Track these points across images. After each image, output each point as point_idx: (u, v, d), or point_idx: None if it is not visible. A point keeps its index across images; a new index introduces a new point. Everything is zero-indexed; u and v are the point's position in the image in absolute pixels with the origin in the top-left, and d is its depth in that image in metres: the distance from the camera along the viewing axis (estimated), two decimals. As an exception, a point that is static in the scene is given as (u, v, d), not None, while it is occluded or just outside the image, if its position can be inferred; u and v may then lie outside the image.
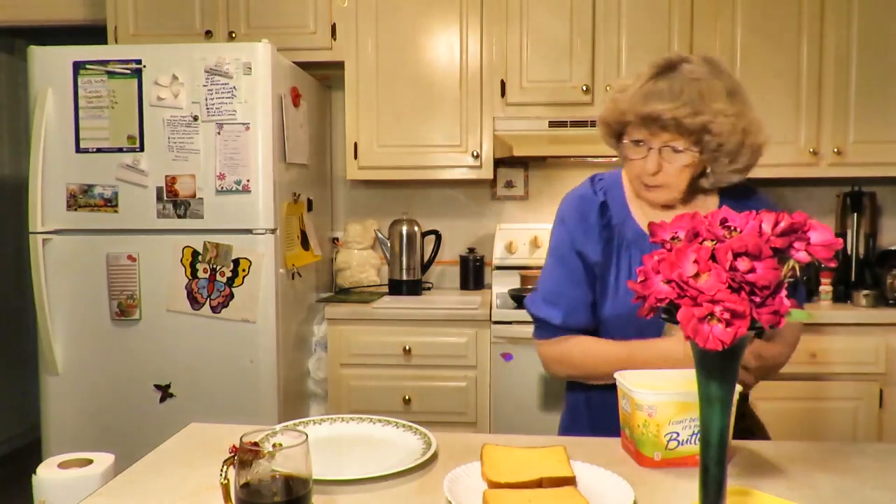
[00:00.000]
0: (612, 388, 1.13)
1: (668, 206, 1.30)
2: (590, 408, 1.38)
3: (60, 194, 2.30)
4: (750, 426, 1.39)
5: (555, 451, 1.02)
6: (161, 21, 2.81)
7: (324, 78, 3.03)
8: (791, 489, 0.96)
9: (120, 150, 2.28)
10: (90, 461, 1.03)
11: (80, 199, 2.30)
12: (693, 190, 1.29)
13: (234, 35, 2.79)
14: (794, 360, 2.49)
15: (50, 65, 2.28)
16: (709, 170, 1.24)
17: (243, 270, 2.28)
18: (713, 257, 0.71)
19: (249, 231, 2.28)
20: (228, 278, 2.28)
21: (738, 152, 1.21)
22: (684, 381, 1.08)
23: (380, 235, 3.00)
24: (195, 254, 2.29)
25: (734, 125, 1.18)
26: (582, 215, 1.33)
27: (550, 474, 0.94)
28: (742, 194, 1.33)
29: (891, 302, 2.62)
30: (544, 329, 1.36)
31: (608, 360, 1.26)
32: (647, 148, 1.23)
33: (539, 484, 0.92)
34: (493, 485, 0.92)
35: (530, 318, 1.39)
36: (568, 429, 1.43)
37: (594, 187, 1.37)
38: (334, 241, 3.16)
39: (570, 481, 0.93)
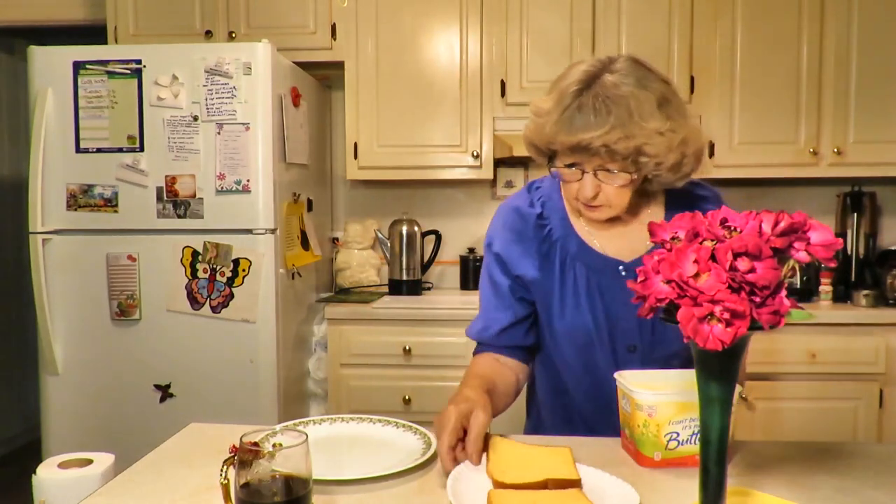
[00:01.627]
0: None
1: (611, 219, 1.21)
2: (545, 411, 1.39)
3: (60, 194, 2.30)
4: None
5: (560, 451, 1.02)
6: (161, 21, 2.81)
7: (324, 78, 3.03)
8: (791, 489, 0.96)
9: (120, 150, 2.28)
10: (90, 461, 1.03)
11: (80, 199, 2.30)
12: (638, 194, 1.19)
13: (234, 35, 2.79)
14: (794, 360, 2.51)
15: (50, 65, 2.28)
16: (650, 177, 1.13)
17: (243, 270, 2.28)
18: (713, 257, 0.71)
19: (249, 231, 2.28)
20: (228, 278, 2.28)
21: (679, 164, 1.11)
22: (684, 381, 1.08)
23: (380, 235, 3.00)
24: (195, 254, 2.29)
25: (670, 143, 1.08)
26: (518, 234, 1.25)
27: (556, 476, 0.93)
28: (686, 189, 1.22)
29: (891, 302, 2.62)
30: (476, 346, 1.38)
31: (478, 370, 1.30)
32: (582, 171, 1.11)
33: (545, 485, 0.92)
34: (498, 485, 0.92)
35: None
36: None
37: (531, 196, 1.28)
38: (334, 241, 3.16)
39: (575, 484, 0.92)
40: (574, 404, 1.32)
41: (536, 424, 1.42)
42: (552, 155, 1.15)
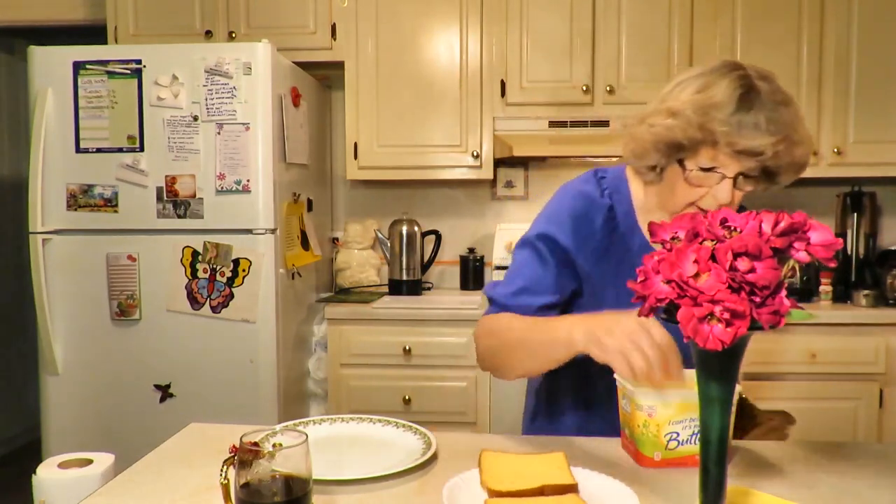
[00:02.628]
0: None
1: None
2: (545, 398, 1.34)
3: (60, 194, 2.30)
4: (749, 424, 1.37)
5: (554, 457, 1.02)
6: (161, 21, 2.81)
7: (324, 78, 3.03)
8: (791, 489, 0.96)
9: (120, 150, 2.28)
10: (90, 461, 1.03)
11: (80, 199, 2.30)
12: None
13: (234, 35, 2.79)
14: (794, 360, 2.51)
15: (50, 65, 2.28)
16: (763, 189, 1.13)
17: (243, 270, 2.28)
18: (713, 257, 0.71)
19: (249, 231, 2.28)
20: (228, 278, 2.28)
21: (801, 173, 1.12)
22: (684, 382, 1.08)
23: (380, 235, 3.00)
24: (195, 254, 2.29)
25: (811, 152, 1.10)
26: (587, 219, 1.20)
27: (552, 482, 0.93)
28: None
29: (891, 302, 2.62)
30: (490, 307, 1.24)
31: (514, 326, 1.15)
32: (721, 176, 1.07)
33: (541, 492, 0.91)
34: (494, 493, 0.91)
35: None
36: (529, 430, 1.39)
37: (600, 187, 1.23)
38: (334, 241, 3.16)
39: (572, 489, 0.92)
40: (601, 401, 1.26)
41: (547, 419, 1.37)
42: (679, 157, 1.10)
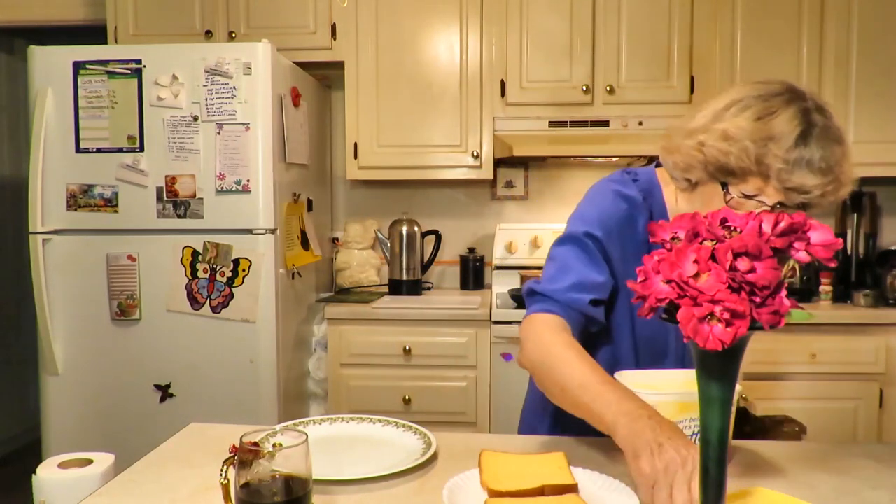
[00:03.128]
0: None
1: None
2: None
3: (60, 194, 2.30)
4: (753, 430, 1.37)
5: (554, 457, 1.02)
6: (161, 21, 2.81)
7: (324, 78, 3.03)
8: (791, 489, 0.96)
9: (120, 150, 2.28)
10: (90, 461, 1.03)
11: (80, 199, 2.30)
12: None
13: (234, 35, 2.79)
14: (794, 360, 2.51)
15: (50, 65, 2.28)
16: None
17: (243, 270, 2.28)
18: (713, 257, 0.71)
19: (249, 231, 2.28)
20: (228, 278, 2.28)
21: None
22: (684, 382, 1.08)
23: (380, 235, 3.00)
24: (195, 254, 2.29)
25: (852, 189, 1.08)
26: (630, 221, 1.18)
27: (552, 482, 0.93)
28: None
29: (891, 302, 2.62)
30: (537, 303, 1.17)
31: (567, 365, 1.04)
32: (760, 203, 1.05)
33: (541, 492, 0.91)
34: (494, 493, 0.91)
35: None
36: (531, 425, 1.35)
37: (638, 189, 1.21)
38: (334, 241, 3.16)
39: (572, 489, 0.92)
40: None
41: (534, 408, 1.35)
42: (726, 181, 1.08)
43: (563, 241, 1.21)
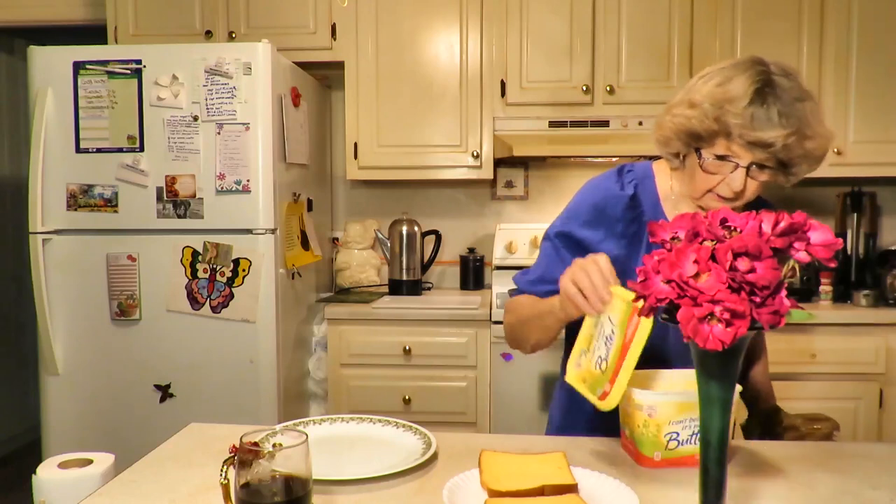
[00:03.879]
0: None
1: None
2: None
3: (60, 194, 2.30)
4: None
5: (554, 457, 1.02)
6: (161, 21, 2.81)
7: (324, 78, 3.03)
8: (791, 489, 0.96)
9: (120, 150, 2.28)
10: (90, 461, 1.03)
11: (80, 199, 2.30)
12: None
13: (234, 35, 2.79)
14: (794, 360, 2.51)
15: (50, 65, 2.28)
16: (780, 180, 1.19)
17: (243, 270, 2.28)
18: (713, 257, 0.71)
19: (249, 231, 2.28)
20: (228, 278, 2.28)
21: (816, 166, 1.18)
22: (684, 381, 1.08)
23: (380, 235, 3.00)
24: (195, 254, 2.29)
25: (826, 148, 1.14)
26: (602, 213, 1.27)
27: (552, 482, 0.93)
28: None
29: (891, 302, 2.62)
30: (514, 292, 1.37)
31: (525, 304, 1.28)
32: (734, 165, 1.13)
33: (541, 492, 0.91)
34: (494, 493, 0.91)
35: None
36: (561, 428, 1.36)
37: (622, 180, 1.30)
38: (334, 241, 3.16)
39: (572, 489, 0.92)
40: None
41: (570, 409, 1.36)
42: (696, 146, 1.17)
43: (543, 238, 1.36)
